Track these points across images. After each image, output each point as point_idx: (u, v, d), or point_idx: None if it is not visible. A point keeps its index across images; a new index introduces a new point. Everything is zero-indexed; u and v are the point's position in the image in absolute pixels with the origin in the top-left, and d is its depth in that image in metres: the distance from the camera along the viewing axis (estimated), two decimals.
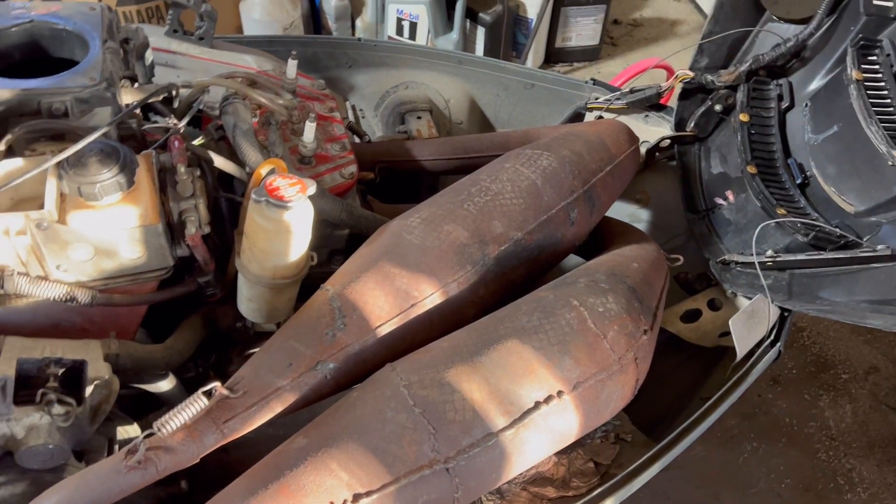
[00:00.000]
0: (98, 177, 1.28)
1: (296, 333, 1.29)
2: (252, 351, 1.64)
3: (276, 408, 1.23)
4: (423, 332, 1.37)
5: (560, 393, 1.27)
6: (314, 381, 1.27)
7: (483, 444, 1.21)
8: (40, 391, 1.27)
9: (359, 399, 1.24)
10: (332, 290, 1.34)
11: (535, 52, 3.94)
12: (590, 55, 4.16)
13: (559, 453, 1.57)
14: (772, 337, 1.75)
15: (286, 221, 1.32)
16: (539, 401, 1.25)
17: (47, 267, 1.35)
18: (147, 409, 1.65)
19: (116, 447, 1.41)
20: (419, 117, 2.35)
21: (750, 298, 1.87)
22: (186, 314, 1.59)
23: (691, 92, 2.15)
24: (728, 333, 1.98)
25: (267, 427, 1.66)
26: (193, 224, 1.38)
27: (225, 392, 1.18)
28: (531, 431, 1.25)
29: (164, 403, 1.62)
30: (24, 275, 1.33)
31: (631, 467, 1.45)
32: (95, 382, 1.32)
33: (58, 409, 1.27)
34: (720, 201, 2.08)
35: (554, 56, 4.11)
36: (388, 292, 1.34)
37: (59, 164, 1.28)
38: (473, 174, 1.61)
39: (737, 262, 1.95)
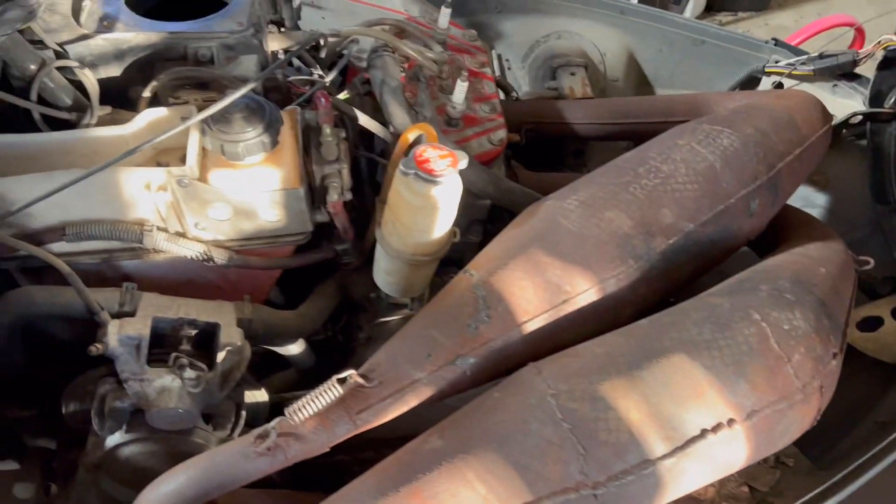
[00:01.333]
0: (242, 135, 1.20)
1: (436, 322, 1.18)
2: (382, 320, 1.56)
3: (410, 401, 1.14)
4: (573, 332, 1.23)
5: (731, 422, 1.10)
6: (452, 375, 1.16)
7: (638, 471, 1.06)
8: (173, 355, 1.23)
9: (500, 402, 1.12)
10: (477, 277, 1.22)
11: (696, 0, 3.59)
12: (757, 4, 3.74)
13: None
14: None
15: (434, 197, 1.20)
16: (706, 429, 1.09)
17: (186, 224, 1.30)
18: (273, 368, 1.61)
19: (244, 412, 1.38)
20: (573, 73, 2.15)
21: None
22: (321, 279, 1.52)
23: (894, 62, 1.85)
24: None
25: None
26: (336, 190, 1.28)
27: (360, 381, 1.09)
28: (691, 461, 1.09)
29: (290, 365, 1.58)
30: (162, 231, 1.28)
31: (811, 494, 1.27)
32: (228, 348, 1.27)
33: (189, 373, 1.23)
34: None
35: (717, 4, 3.72)
36: (537, 284, 1.20)
37: (203, 119, 1.21)
38: (640, 150, 1.43)
39: None
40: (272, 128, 1.22)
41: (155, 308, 1.27)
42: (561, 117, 1.84)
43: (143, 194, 1.24)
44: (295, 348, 1.51)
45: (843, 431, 1.64)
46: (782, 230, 1.60)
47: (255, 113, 1.22)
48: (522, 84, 2.33)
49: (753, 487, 1.39)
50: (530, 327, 1.20)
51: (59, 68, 1.29)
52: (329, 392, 1.07)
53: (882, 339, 1.72)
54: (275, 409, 1.45)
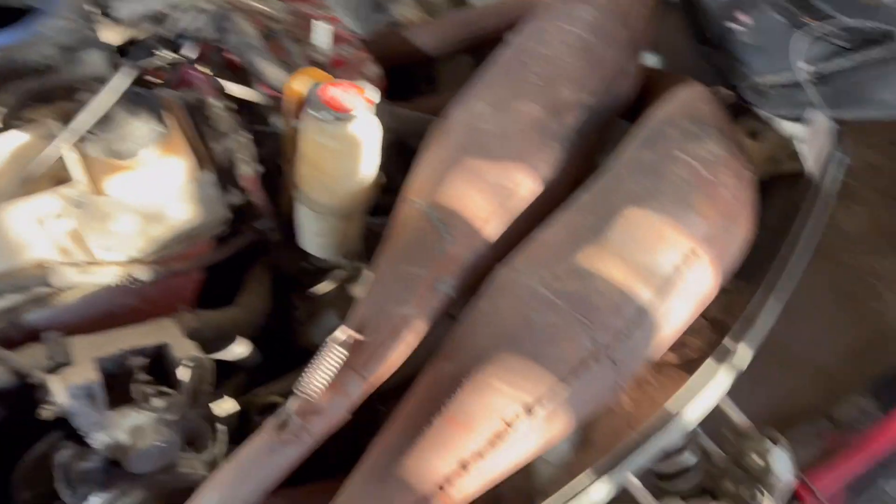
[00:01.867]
0: (129, 130, 1.08)
1: (404, 257, 1.15)
2: (313, 290, 1.50)
3: (409, 339, 1.11)
4: (524, 224, 1.25)
5: (695, 251, 1.18)
6: (438, 301, 1.14)
7: (637, 321, 1.12)
8: (134, 388, 1.11)
9: (494, 309, 1.13)
10: (423, 203, 1.20)
11: None
12: None
13: None
14: (834, 151, 1.71)
15: (353, 135, 1.15)
16: (678, 264, 1.17)
17: (92, 250, 1.15)
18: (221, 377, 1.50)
19: (219, 426, 1.27)
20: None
21: (790, 118, 1.81)
22: (244, 270, 1.42)
23: None
24: (773, 159, 1.94)
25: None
26: (245, 162, 1.19)
27: (357, 336, 1.05)
28: (675, 298, 1.17)
29: (239, 368, 1.48)
30: (70, 265, 1.13)
31: (748, 308, 1.41)
32: (186, 363, 1.16)
33: (158, 402, 1.12)
34: (733, 26, 1.97)
35: None
36: (483, 190, 1.21)
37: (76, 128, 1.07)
38: (514, 44, 1.45)
39: (770, 85, 1.87)
40: (156, 113, 1.10)
41: (90, 349, 1.13)
42: (412, 47, 1.82)
43: (35, 231, 1.08)
44: (241, 350, 1.41)
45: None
46: (645, 90, 1.71)
47: (135, 103, 1.09)
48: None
49: (707, 317, 1.50)
50: (490, 232, 1.20)
51: None
52: (334, 356, 1.01)
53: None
54: (243, 416, 1.36)
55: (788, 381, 2.26)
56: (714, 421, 1.83)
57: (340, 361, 1.01)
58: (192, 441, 1.23)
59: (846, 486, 2.01)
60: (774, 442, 1.56)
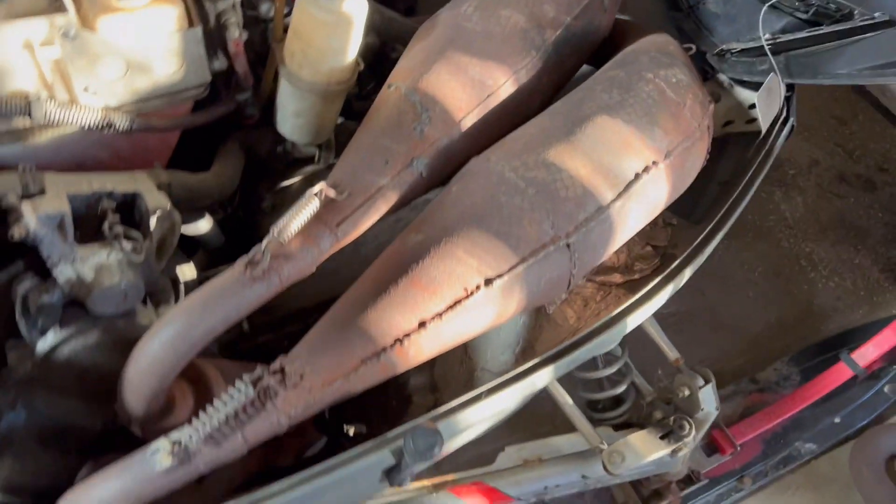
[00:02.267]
0: None
1: (383, 132, 1.19)
2: (285, 183, 1.52)
3: (381, 208, 1.15)
4: (499, 124, 1.31)
5: (655, 163, 1.25)
6: (411, 178, 1.19)
7: (596, 217, 1.19)
8: (107, 223, 1.12)
9: (464, 190, 1.18)
10: (405, 86, 1.24)
11: None
12: None
13: None
14: (784, 113, 1.81)
15: (346, 12, 1.19)
16: (639, 172, 1.24)
17: (73, 89, 1.16)
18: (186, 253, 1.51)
19: (182, 287, 1.29)
20: None
21: (748, 84, 1.92)
22: (218, 145, 1.44)
23: None
24: (731, 122, 2.04)
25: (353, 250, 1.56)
26: (235, 26, 1.22)
27: (331, 193, 1.08)
28: (633, 202, 1.24)
29: (201, 246, 1.49)
30: (53, 100, 1.13)
31: (690, 248, 1.49)
32: (157, 213, 1.18)
33: (126, 244, 1.13)
34: None
35: None
36: (463, 83, 1.26)
37: None
38: None
39: (734, 50, 1.97)
40: None
41: (65, 185, 1.14)
42: None
43: (22, 57, 1.08)
44: (204, 224, 1.43)
45: (701, 190, 1.92)
46: (617, 36, 1.79)
47: None
48: None
49: (655, 245, 1.59)
50: (467, 123, 1.25)
51: None
52: (309, 205, 1.05)
53: None
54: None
55: (719, 346, 2.39)
56: (648, 360, 1.93)
57: (313, 212, 1.04)
58: (153, 295, 1.25)
59: (763, 441, 2.14)
60: (706, 380, 1.66)
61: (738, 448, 2.06)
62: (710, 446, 2.09)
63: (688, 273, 1.47)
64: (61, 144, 1.21)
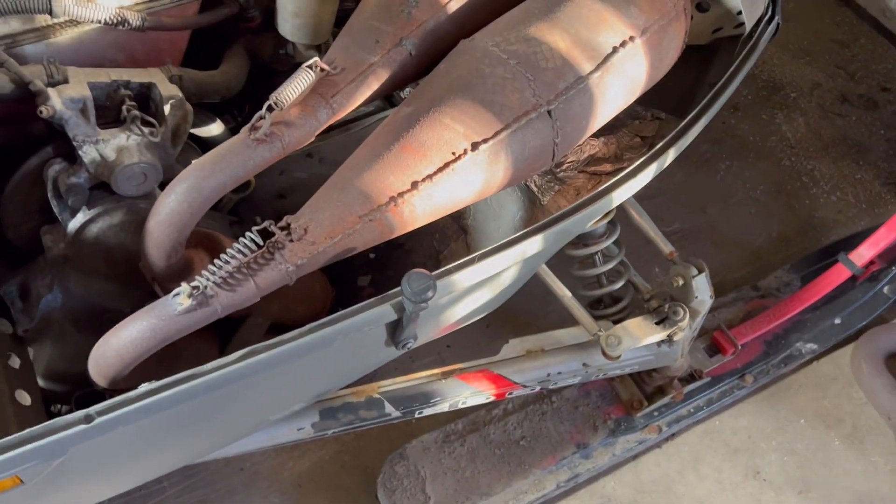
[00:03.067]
0: None
1: (373, 15, 1.28)
2: None
3: (372, 84, 1.25)
4: (485, 10, 1.39)
5: (632, 38, 1.33)
6: (401, 57, 1.28)
7: (576, 87, 1.27)
8: (124, 107, 1.23)
9: (451, 66, 1.27)
10: None
11: None
12: None
13: (607, 133, 1.67)
14: (770, 13, 1.87)
15: None
16: (616, 45, 1.31)
17: None
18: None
19: None
20: None
21: None
22: (223, 51, 1.54)
23: None
24: (720, 29, 2.10)
25: (318, 166, 1.69)
26: None
27: (325, 66, 1.18)
28: (612, 76, 1.32)
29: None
30: None
31: (675, 130, 1.56)
32: (171, 101, 1.29)
33: (142, 127, 1.24)
34: None
35: None
36: None
37: None
38: None
39: None
40: None
41: (85, 76, 1.25)
42: None
43: None
44: (216, 128, 1.53)
45: (692, 93, 1.98)
46: None
47: None
48: None
49: (643, 136, 1.67)
50: (452, 7, 1.34)
51: None
52: (304, 75, 1.14)
53: (695, 29, 2.06)
54: None
55: (722, 260, 2.46)
56: (646, 260, 2.01)
57: (309, 81, 1.14)
58: (170, 180, 1.36)
59: (764, 342, 2.22)
60: (699, 269, 1.73)
61: (740, 347, 2.14)
62: (712, 347, 2.17)
63: (671, 155, 1.54)
64: (80, 44, 1.32)
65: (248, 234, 1.08)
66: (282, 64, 1.58)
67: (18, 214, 1.32)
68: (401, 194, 1.16)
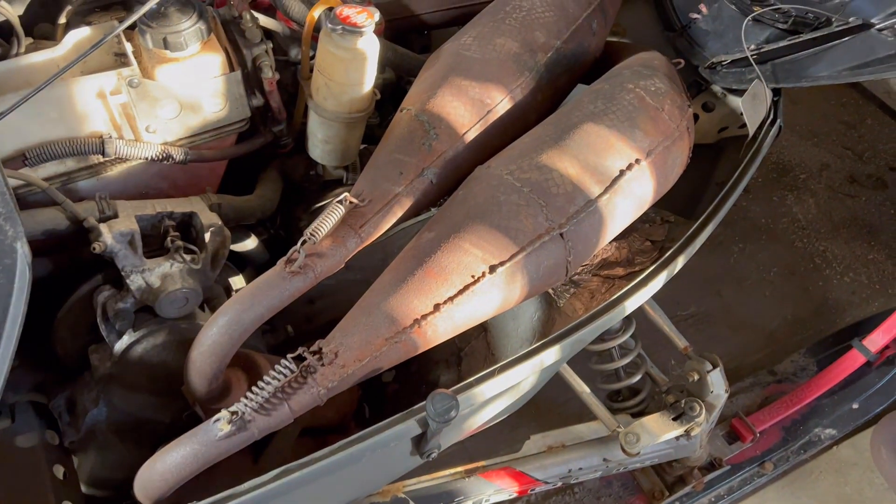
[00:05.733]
0: (181, 25, 1.32)
1: (397, 148, 1.39)
2: (318, 205, 1.73)
3: (397, 212, 1.34)
4: (499, 137, 1.50)
5: (638, 161, 1.42)
6: (423, 185, 1.38)
7: (586, 210, 1.36)
8: (169, 238, 1.33)
9: (468, 194, 1.36)
10: (415, 109, 1.44)
11: None
12: None
13: (619, 238, 1.75)
14: (771, 116, 1.96)
15: (360, 48, 1.40)
16: (622, 169, 1.41)
17: (137, 129, 1.38)
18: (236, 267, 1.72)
19: (233, 294, 1.49)
20: None
21: (739, 93, 2.07)
22: (259, 172, 1.65)
23: None
24: (725, 128, 2.20)
25: (345, 272, 1.78)
26: (268, 67, 1.43)
27: (354, 200, 1.28)
28: (619, 196, 1.41)
29: (247, 262, 1.70)
30: (121, 139, 1.36)
31: (683, 238, 1.64)
32: (211, 229, 1.39)
33: (185, 255, 1.34)
34: (695, 16, 2.25)
35: None
36: (465, 102, 1.45)
37: (139, 20, 1.31)
38: None
39: (724, 63, 2.14)
40: (204, 16, 1.34)
41: (132, 209, 1.36)
42: (410, 11, 2.08)
43: (95, 104, 1.31)
44: (250, 243, 1.64)
45: (700, 192, 2.07)
46: (610, 56, 1.97)
47: (186, 5, 1.34)
48: None
49: (653, 240, 1.75)
50: (470, 137, 1.44)
51: None
52: (335, 211, 1.24)
53: (702, 129, 2.17)
54: None
55: (738, 343, 2.50)
56: (661, 352, 2.07)
57: (340, 215, 1.24)
58: (210, 301, 1.46)
59: (782, 429, 2.24)
60: (714, 364, 1.79)
61: (758, 435, 2.16)
62: (731, 435, 2.20)
63: (681, 262, 1.62)
64: (128, 176, 1.43)
65: (283, 361, 1.16)
66: (312, 183, 1.69)
67: (68, 334, 1.42)
68: (424, 316, 1.25)
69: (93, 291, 1.36)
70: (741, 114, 2.14)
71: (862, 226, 2.87)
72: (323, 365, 1.19)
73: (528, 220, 1.32)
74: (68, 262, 1.37)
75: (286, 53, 1.64)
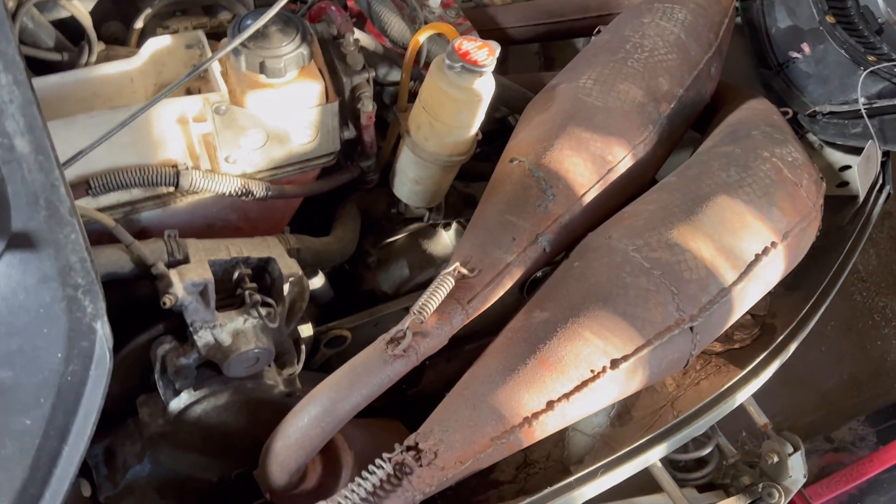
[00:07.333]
0: (282, 49, 1.13)
1: (509, 208, 1.22)
2: (389, 240, 1.56)
3: (506, 284, 1.18)
4: (616, 198, 1.33)
5: (774, 244, 1.27)
6: (535, 254, 1.21)
7: (719, 299, 1.20)
8: (246, 292, 1.16)
9: (586, 269, 1.20)
10: (528, 161, 1.27)
11: None
12: None
13: None
14: (881, 180, 1.81)
15: (478, 89, 1.22)
16: (758, 253, 1.25)
17: (217, 159, 1.20)
18: None
19: (303, 346, 1.33)
20: None
21: (838, 147, 1.91)
22: (336, 206, 1.48)
23: None
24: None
25: None
26: (368, 99, 1.25)
27: (465, 272, 1.11)
28: (752, 283, 1.25)
29: (312, 301, 1.53)
30: (197, 170, 1.18)
31: (801, 314, 1.49)
32: (290, 279, 1.22)
33: (261, 311, 1.17)
34: (795, 55, 2.07)
35: None
36: (585, 159, 1.28)
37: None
38: (612, 33, 1.53)
39: (825, 113, 1.97)
40: (307, 39, 1.16)
41: (204, 252, 1.18)
42: (495, 24, 1.89)
43: (174, 130, 1.13)
44: (317, 281, 1.46)
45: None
46: (716, 100, 1.80)
47: (290, 25, 1.15)
48: None
49: (754, 314, 1.60)
50: (588, 198, 1.28)
51: (36, 4, 1.11)
52: (444, 285, 1.08)
53: None
54: (315, 343, 1.42)
55: (791, 401, 2.37)
56: (731, 420, 1.93)
57: (448, 289, 1.07)
58: (279, 356, 1.29)
59: (840, 503, 2.12)
60: (795, 447, 1.65)
61: None
62: None
63: (792, 347, 1.47)
64: (196, 208, 1.26)
65: (378, 461, 1.00)
66: (392, 221, 1.52)
67: (117, 382, 1.25)
68: (535, 415, 1.09)
69: (152, 341, 1.19)
70: (839, 170, 1.98)
71: None
72: (421, 466, 1.03)
73: (658, 308, 1.16)
74: (124, 302, 1.19)
75: (377, 72, 1.46)
